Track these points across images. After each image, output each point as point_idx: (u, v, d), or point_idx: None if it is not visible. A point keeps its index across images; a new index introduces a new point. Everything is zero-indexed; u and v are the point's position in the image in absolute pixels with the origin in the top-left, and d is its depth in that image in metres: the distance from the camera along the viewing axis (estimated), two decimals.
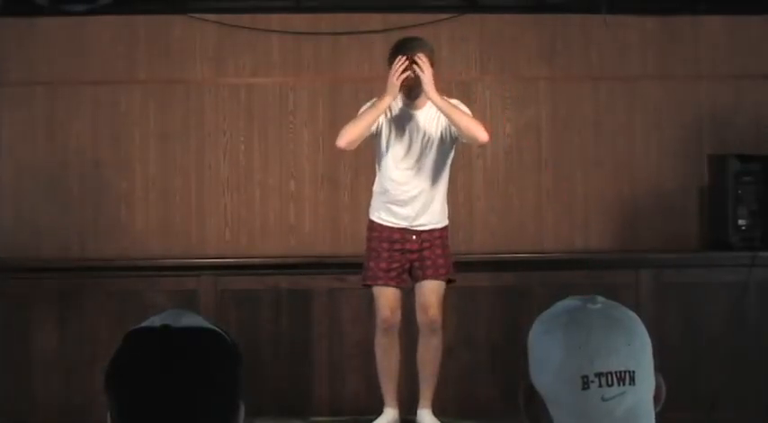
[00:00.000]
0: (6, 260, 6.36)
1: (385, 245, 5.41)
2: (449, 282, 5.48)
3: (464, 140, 5.40)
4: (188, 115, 6.67)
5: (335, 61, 6.72)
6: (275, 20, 6.69)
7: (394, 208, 5.41)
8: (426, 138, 5.38)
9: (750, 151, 6.54)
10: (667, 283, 6.23)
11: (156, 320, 1.59)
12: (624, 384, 1.56)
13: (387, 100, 5.28)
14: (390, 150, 5.40)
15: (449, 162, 5.47)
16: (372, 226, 5.48)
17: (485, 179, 6.69)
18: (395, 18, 6.60)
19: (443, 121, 5.36)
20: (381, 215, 5.45)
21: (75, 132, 6.63)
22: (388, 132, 5.40)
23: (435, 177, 5.42)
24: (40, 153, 6.61)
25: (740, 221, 6.32)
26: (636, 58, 6.80)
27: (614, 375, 1.56)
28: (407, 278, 5.46)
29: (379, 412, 5.55)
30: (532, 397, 1.63)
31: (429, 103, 5.41)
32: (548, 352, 1.60)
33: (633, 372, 1.57)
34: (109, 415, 1.57)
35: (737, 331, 6.10)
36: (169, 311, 1.61)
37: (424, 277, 5.42)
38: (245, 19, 6.65)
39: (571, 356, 1.57)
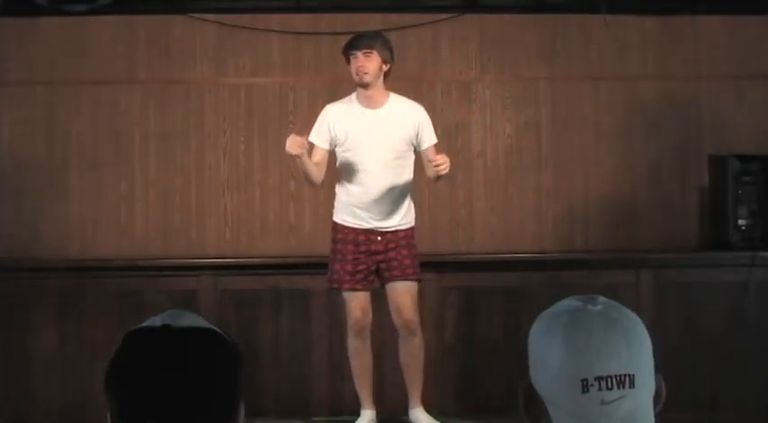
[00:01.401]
0: (6, 260, 6.36)
1: (350, 247, 5.40)
2: (417, 281, 5.46)
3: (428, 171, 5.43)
4: (188, 115, 6.67)
5: (335, 61, 6.68)
6: (275, 20, 6.69)
7: (357, 210, 5.40)
8: (387, 139, 5.36)
9: (750, 151, 6.54)
10: (667, 283, 6.23)
11: (156, 320, 1.59)
12: (624, 388, 1.56)
13: (297, 160, 5.31)
14: (350, 152, 5.39)
15: (410, 164, 5.46)
16: (336, 228, 5.48)
17: (485, 179, 6.69)
18: (395, 18, 6.60)
19: (405, 125, 5.36)
20: (345, 217, 5.44)
21: (75, 132, 6.63)
22: (345, 134, 5.39)
23: (398, 178, 5.39)
24: (40, 153, 6.61)
25: (740, 221, 6.32)
26: (636, 58, 6.80)
27: (614, 379, 1.56)
28: (374, 279, 5.45)
29: (377, 412, 5.55)
30: (532, 397, 1.63)
31: (389, 102, 5.43)
32: (548, 353, 1.60)
33: (633, 375, 1.57)
34: (109, 415, 1.57)
35: (737, 331, 6.09)
36: (169, 311, 1.61)
37: (392, 279, 5.40)
38: (245, 19, 6.65)
39: (571, 359, 1.57)
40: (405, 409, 5.61)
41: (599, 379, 1.56)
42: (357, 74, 5.36)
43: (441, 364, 6.03)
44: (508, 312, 6.14)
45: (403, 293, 5.40)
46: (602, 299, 1.65)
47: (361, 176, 5.38)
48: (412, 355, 5.47)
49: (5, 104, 6.62)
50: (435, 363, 5.91)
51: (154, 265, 6.31)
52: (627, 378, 1.56)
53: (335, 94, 6.63)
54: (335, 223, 5.49)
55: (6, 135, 6.62)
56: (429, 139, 5.46)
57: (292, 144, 5.23)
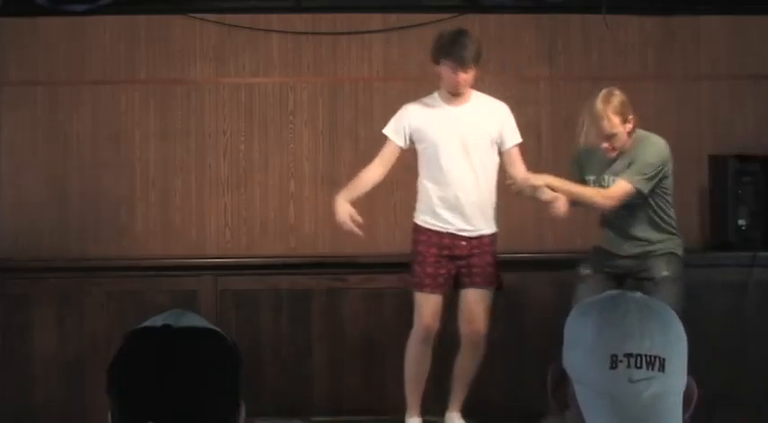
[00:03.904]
0: (6, 260, 6.36)
1: (433, 250, 5.23)
2: (498, 288, 5.31)
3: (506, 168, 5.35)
4: (188, 115, 6.67)
5: (335, 61, 6.72)
6: (275, 20, 6.69)
7: (439, 210, 5.23)
8: (469, 135, 5.21)
9: (750, 151, 6.53)
10: None
11: (157, 320, 1.59)
12: (653, 370, 1.55)
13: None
14: (430, 149, 5.22)
15: (495, 165, 5.30)
16: (419, 229, 5.30)
17: None
18: (395, 18, 6.61)
19: (488, 122, 5.23)
20: (427, 219, 5.27)
21: (76, 132, 6.63)
22: (425, 131, 5.23)
23: (482, 179, 5.24)
24: (41, 153, 6.61)
25: (740, 221, 6.32)
26: (636, 58, 6.80)
27: (644, 358, 1.55)
28: (452, 284, 5.31)
29: (378, 412, 5.55)
30: (561, 380, 1.62)
31: (472, 99, 5.28)
32: (581, 330, 1.60)
33: (664, 359, 1.55)
34: (110, 415, 1.57)
35: (737, 331, 6.09)
36: (170, 311, 1.61)
37: (472, 284, 5.25)
38: (245, 19, 6.65)
39: (603, 334, 1.57)
40: (404, 410, 5.60)
41: (628, 356, 1.55)
42: (455, 86, 5.22)
43: (441, 365, 6.02)
44: (508, 312, 6.13)
45: (477, 302, 5.27)
46: (640, 293, 1.66)
47: (442, 175, 5.22)
48: (468, 367, 5.34)
49: (5, 104, 6.62)
50: (435, 363, 5.90)
51: (154, 265, 6.31)
52: (657, 360, 1.55)
53: (336, 94, 6.66)
54: (417, 225, 5.31)
55: (7, 135, 6.62)
56: (514, 137, 5.32)
57: (342, 216, 5.19)
